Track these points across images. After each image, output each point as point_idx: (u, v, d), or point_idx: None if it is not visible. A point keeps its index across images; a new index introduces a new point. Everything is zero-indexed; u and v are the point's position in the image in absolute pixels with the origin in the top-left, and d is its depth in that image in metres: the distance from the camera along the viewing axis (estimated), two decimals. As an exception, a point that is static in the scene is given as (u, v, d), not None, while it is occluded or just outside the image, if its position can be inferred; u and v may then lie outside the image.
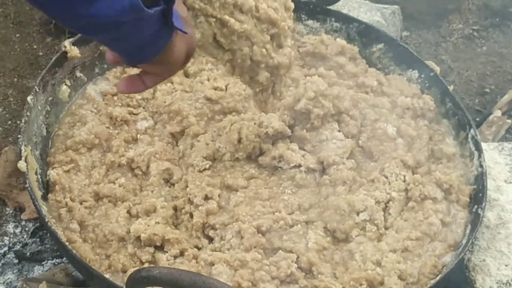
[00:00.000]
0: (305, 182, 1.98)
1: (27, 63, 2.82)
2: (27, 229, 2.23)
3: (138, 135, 2.09)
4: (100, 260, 1.79)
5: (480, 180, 2.00)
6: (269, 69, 1.74)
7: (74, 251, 1.71)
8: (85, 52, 2.18)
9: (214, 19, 1.58)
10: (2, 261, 2.14)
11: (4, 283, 2.07)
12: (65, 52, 2.13)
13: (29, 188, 1.78)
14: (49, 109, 2.07)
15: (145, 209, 1.88)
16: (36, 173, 1.88)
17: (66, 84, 2.13)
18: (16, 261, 2.15)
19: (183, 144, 2.07)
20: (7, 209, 2.28)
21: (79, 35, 2.12)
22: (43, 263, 2.14)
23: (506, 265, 1.89)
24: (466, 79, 2.83)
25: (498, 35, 3.13)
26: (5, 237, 2.20)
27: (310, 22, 2.45)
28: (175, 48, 1.47)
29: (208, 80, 2.21)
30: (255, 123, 2.04)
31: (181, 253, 1.81)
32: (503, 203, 2.02)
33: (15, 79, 2.75)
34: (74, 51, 2.13)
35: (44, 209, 1.78)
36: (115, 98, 2.18)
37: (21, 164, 1.81)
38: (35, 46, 2.89)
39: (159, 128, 2.12)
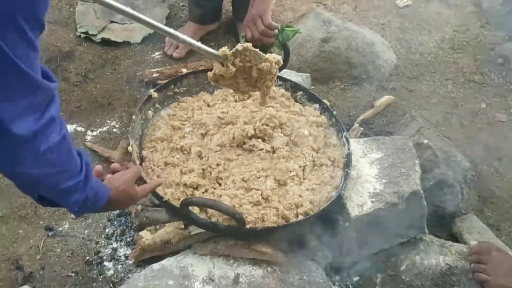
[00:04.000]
0: (265, 156, 1.99)
1: (133, 104, 2.71)
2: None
3: (185, 134, 2.08)
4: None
5: (349, 156, 2.03)
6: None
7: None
8: (160, 95, 2.17)
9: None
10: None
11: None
12: (150, 95, 2.12)
13: (132, 159, 1.81)
14: (142, 122, 2.06)
15: (189, 169, 1.89)
16: (136, 153, 1.89)
17: (151, 110, 2.13)
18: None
19: (207, 139, 2.06)
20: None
21: (160, 85, 2.12)
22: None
23: (360, 196, 1.93)
24: (341, 109, 2.84)
25: (358, 88, 2.92)
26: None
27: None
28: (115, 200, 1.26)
29: (219, 108, 2.20)
30: (241, 130, 2.04)
31: (206, 191, 1.83)
32: (359, 167, 2.06)
33: (123, 114, 2.70)
34: (154, 94, 2.13)
35: (140, 169, 1.78)
36: (174, 117, 2.17)
37: (129, 149, 1.84)
38: (138, 95, 2.75)
39: (195, 131, 2.11)
